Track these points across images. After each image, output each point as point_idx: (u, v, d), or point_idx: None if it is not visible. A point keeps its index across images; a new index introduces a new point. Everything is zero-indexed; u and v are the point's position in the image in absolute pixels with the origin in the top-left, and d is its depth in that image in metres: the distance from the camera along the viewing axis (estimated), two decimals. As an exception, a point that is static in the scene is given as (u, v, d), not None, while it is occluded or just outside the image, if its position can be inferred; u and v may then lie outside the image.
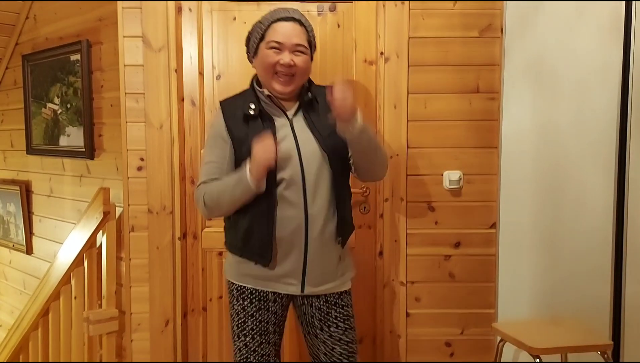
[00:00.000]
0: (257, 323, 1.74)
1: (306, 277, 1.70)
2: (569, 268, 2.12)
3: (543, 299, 2.21)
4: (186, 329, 2.42)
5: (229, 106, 1.75)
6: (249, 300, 1.75)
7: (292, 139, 1.68)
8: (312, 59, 1.75)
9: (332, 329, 1.74)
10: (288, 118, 1.71)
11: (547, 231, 2.19)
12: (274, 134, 1.65)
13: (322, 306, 1.75)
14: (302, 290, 1.71)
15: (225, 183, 1.67)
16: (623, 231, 1.96)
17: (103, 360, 2.56)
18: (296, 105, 1.73)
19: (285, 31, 1.65)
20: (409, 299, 2.34)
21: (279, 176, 1.65)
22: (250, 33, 1.74)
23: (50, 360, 2.79)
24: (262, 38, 1.68)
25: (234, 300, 1.78)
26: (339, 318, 1.75)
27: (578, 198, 2.08)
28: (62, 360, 2.72)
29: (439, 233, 2.32)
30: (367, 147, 1.69)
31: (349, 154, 1.74)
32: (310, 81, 1.78)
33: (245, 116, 1.69)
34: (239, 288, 1.76)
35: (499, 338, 2.04)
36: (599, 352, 1.87)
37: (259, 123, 1.68)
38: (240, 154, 1.68)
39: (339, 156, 1.71)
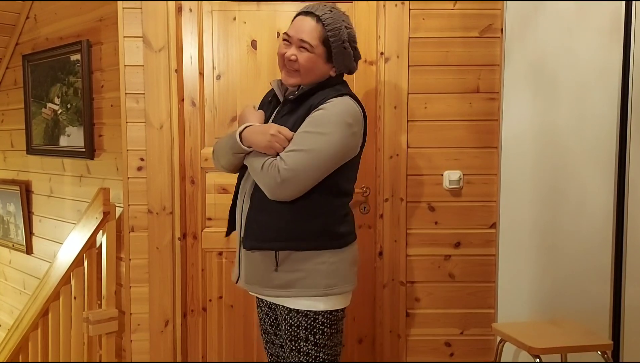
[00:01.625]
0: (260, 320, 1.77)
1: (240, 270, 1.68)
2: (568, 268, 2.12)
3: (543, 299, 2.21)
4: (186, 329, 2.42)
5: (270, 90, 1.81)
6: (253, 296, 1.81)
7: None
8: (335, 61, 1.64)
9: (283, 341, 1.67)
10: (279, 103, 1.71)
11: (547, 231, 2.19)
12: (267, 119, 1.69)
13: (277, 317, 1.71)
14: (237, 280, 1.70)
15: (225, 137, 1.70)
16: (623, 231, 1.96)
17: (102, 361, 2.56)
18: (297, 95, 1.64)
19: (297, 25, 1.62)
20: (408, 299, 2.34)
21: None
22: None
23: (49, 360, 2.78)
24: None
25: None
26: (286, 335, 1.62)
27: (578, 198, 2.08)
28: (61, 360, 2.71)
29: (439, 233, 2.33)
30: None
31: None
32: (323, 84, 1.64)
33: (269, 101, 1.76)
34: None
35: (498, 339, 2.04)
36: (599, 352, 1.87)
37: (267, 108, 1.74)
38: None
39: None
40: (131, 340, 2.38)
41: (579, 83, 2.06)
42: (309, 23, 1.60)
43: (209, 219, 2.40)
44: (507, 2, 2.23)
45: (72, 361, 2.67)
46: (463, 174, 2.30)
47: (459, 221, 2.32)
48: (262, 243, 1.59)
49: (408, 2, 2.25)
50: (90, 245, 2.58)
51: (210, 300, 2.42)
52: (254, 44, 2.34)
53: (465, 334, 2.36)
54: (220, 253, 2.40)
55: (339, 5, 2.30)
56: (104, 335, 2.51)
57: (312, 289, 1.58)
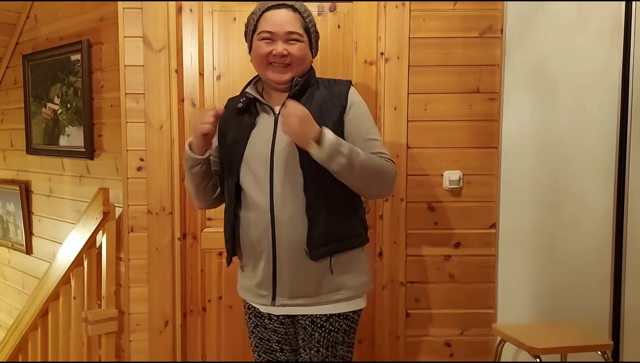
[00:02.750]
0: (259, 341, 1.65)
1: (277, 288, 1.54)
2: (568, 269, 2.12)
3: (543, 299, 2.21)
4: (185, 330, 2.42)
5: (230, 102, 1.71)
6: (248, 315, 1.68)
7: (271, 137, 1.54)
8: (314, 48, 1.63)
9: (312, 352, 1.55)
10: (274, 114, 1.58)
11: (546, 231, 2.19)
12: (250, 129, 1.57)
13: (307, 326, 1.57)
14: (273, 302, 1.55)
15: None
16: (623, 231, 1.96)
17: (102, 361, 2.56)
18: (284, 99, 1.56)
19: (276, 19, 1.53)
20: (408, 300, 2.34)
21: (247, 174, 1.55)
22: (245, 26, 1.65)
23: (49, 360, 2.78)
24: (254, 30, 1.58)
25: (244, 315, 1.72)
26: (321, 343, 1.54)
27: (578, 198, 2.09)
28: (61, 361, 2.71)
29: (438, 234, 2.33)
30: (345, 171, 1.46)
31: None
32: (310, 72, 1.63)
33: (238, 110, 1.62)
34: (244, 303, 1.70)
35: (498, 339, 2.04)
36: (598, 352, 1.87)
37: (244, 118, 1.60)
38: (223, 145, 1.64)
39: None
40: (130, 340, 2.37)
41: (579, 84, 2.06)
42: (287, 14, 1.55)
43: (209, 219, 2.39)
44: (508, 2, 2.23)
45: (71, 361, 2.66)
46: (463, 175, 2.30)
47: (459, 222, 2.32)
48: (328, 246, 1.51)
49: (408, 2, 2.25)
50: (90, 245, 2.58)
51: (209, 301, 2.42)
52: (254, 44, 2.33)
53: (465, 334, 2.36)
54: (220, 253, 2.40)
55: (339, 5, 2.31)
56: (104, 335, 2.51)
57: (362, 286, 1.59)
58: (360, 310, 1.61)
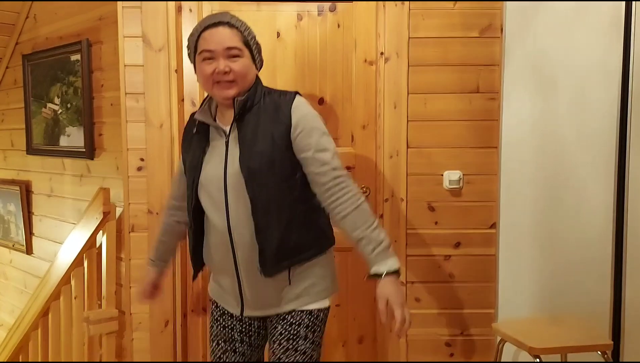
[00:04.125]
0: (222, 329, 1.69)
1: (244, 303, 1.61)
2: (569, 268, 2.12)
3: (543, 299, 2.21)
4: (186, 329, 2.42)
5: (190, 120, 1.69)
6: (215, 304, 1.72)
7: (222, 159, 1.55)
8: (257, 60, 1.60)
9: (275, 345, 1.60)
10: (225, 135, 1.57)
11: (547, 231, 2.19)
12: (204, 153, 1.58)
13: (272, 319, 1.63)
14: (242, 313, 1.63)
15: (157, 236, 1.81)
16: (623, 231, 1.96)
17: (103, 360, 2.56)
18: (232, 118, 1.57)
19: (215, 38, 1.52)
20: (409, 299, 2.34)
21: (206, 198, 1.56)
22: (187, 47, 1.64)
23: (50, 360, 2.79)
24: (195, 50, 1.57)
25: (209, 307, 1.78)
26: (282, 335, 1.58)
27: (578, 197, 2.08)
28: (62, 360, 2.72)
29: (439, 233, 2.32)
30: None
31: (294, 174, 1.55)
32: (254, 87, 1.58)
33: (192, 134, 1.63)
34: (209, 294, 1.77)
35: (499, 338, 2.04)
36: (599, 352, 1.87)
37: (199, 140, 1.61)
38: (185, 168, 1.65)
39: (262, 175, 1.50)
40: (131, 340, 2.38)
41: (578, 82, 2.06)
42: (224, 31, 1.54)
43: (209, 219, 2.39)
44: (507, 1, 2.22)
45: (72, 361, 2.67)
46: (463, 174, 2.30)
47: (459, 221, 2.32)
48: (280, 264, 1.53)
49: (408, 1, 2.24)
50: (91, 244, 2.58)
51: (210, 300, 2.42)
52: (253, 43, 2.33)
53: (465, 334, 2.36)
54: (220, 253, 2.40)
55: (339, 4, 2.31)
56: (104, 335, 2.52)
57: (322, 291, 1.62)
58: (326, 309, 1.63)
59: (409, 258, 2.32)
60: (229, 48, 1.52)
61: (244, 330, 1.68)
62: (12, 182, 3.46)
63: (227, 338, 1.69)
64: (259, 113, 1.55)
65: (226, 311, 1.69)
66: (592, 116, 2.02)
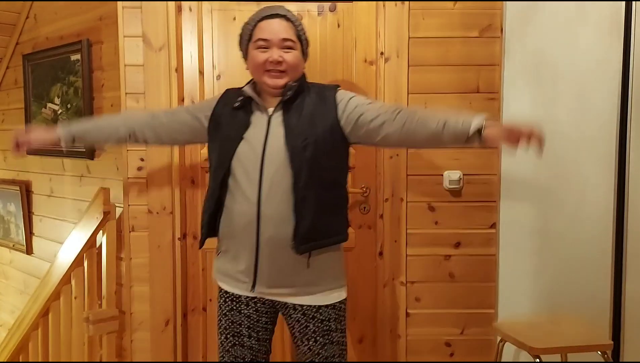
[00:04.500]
0: (230, 324, 1.74)
1: (257, 277, 1.65)
2: (569, 268, 2.12)
3: (543, 299, 2.21)
4: (186, 329, 2.42)
5: (228, 94, 1.79)
6: (223, 299, 1.76)
7: (263, 136, 1.64)
8: (305, 54, 1.73)
9: (310, 342, 1.69)
10: (268, 115, 1.68)
11: (547, 231, 2.19)
12: (245, 129, 1.67)
13: (300, 319, 1.70)
14: (253, 289, 1.67)
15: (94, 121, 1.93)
16: (623, 230, 1.96)
17: (103, 360, 2.56)
18: (278, 102, 1.69)
19: (271, 28, 1.64)
20: (409, 299, 2.34)
21: (239, 168, 1.63)
22: (240, 35, 1.74)
23: (50, 360, 2.78)
24: (250, 38, 1.68)
25: (218, 298, 1.80)
26: (317, 332, 1.68)
27: (578, 197, 2.08)
28: (62, 360, 2.72)
29: (439, 233, 2.32)
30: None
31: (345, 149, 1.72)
32: (302, 79, 1.72)
33: (234, 107, 1.72)
34: (219, 288, 1.79)
35: (499, 338, 2.04)
36: (599, 352, 1.87)
37: (239, 115, 1.70)
38: (214, 137, 1.74)
39: (309, 158, 1.59)
40: (132, 340, 2.38)
41: (578, 82, 2.06)
42: (281, 23, 1.65)
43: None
44: (507, 1, 2.22)
45: (72, 361, 2.67)
46: (463, 174, 2.30)
47: (459, 221, 2.32)
48: (310, 242, 1.62)
49: (408, 1, 2.24)
50: (91, 244, 2.58)
51: (210, 300, 2.42)
52: (254, 43, 2.33)
53: (465, 334, 2.36)
54: (221, 253, 2.40)
55: (339, 4, 2.31)
56: (105, 335, 2.51)
57: (340, 279, 1.74)
58: (345, 299, 1.75)
59: (409, 258, 2.32)
60: (284, 39, 1.64)
61: (251, 325, 1.72)
62: (12, 182, 3.46)
63: (235, 333, 1.73)
64: (304, 99, 1.67)
65: (234, 307, 1.72)
66: (592, 115, 2.02)
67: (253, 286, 1.67)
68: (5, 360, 2.92)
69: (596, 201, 2.02)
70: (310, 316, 1.68)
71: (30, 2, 3.18)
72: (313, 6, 2.30)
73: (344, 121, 1.66)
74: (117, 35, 2.32)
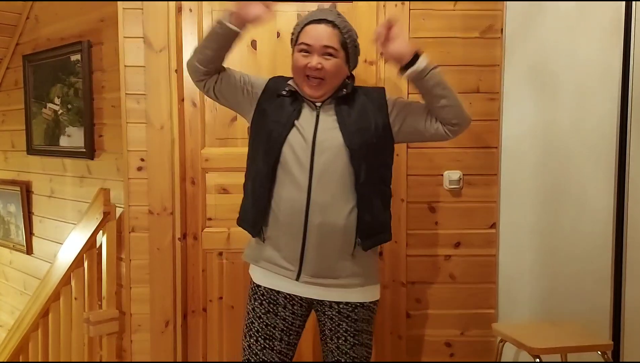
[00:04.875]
0: (264, 327, 1.72)
1: (303, 265, 1.65)
2: (569, 268, 2.12)
3: (543, 299, 2.21)
4: (186, 330, 2.42)
5: (274, 80, 1.78)
6: (259, 301, 1.73)
7: (313, 125, 1.66)
8: (350, 61, 1.71)
9: (340, 341, 1.70)
10: (316, 107, 1.69)
11: (547, 231, 2.19)
12: (296, 117, 1.67)
13: (334, 316, 1.70)
14: (298, 277, 1.67)
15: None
16: (623, 231, 1.96)
17: (103, 361, 2.56)
18: (328, 97, 1.70)
19: (314, 34, 1.64)
20: (409, 300, 2.34)
21: (290, 156, 1.64)
22: (291, 34, 1.75)
23: (50, 361, 2.78)
24: (296, 41, 1.69)
25: (249, 299, 1.78)
26: (348, 332, 1.69)
27: (578, 198, 2.08)
28: (62, 361, 2.71)
29: (439, 234, 2.33)
30: (440, 78, 1.63)
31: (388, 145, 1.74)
32: (350, 81, 1.74)
33: (280, 95, 1.72)
34: (254, 288, 1.76)
35: (499, 339, 2.04)
36: (599, 352, 1.87)
37: (287, 103, 1.70)
38: (260, 121, 1.72)
39: (365, 152, 1.64)
40: (131, 341, 2.38)
41: (579, 83, 2.06)
42: (326, 29, 1.64)
43: (210, 219, 2.40)
44: (508, 2, 2.23)
45: (72, 361, 2.67)
46: (463, 175, 2.30)
47: (459, 222, 2.32)
48: (375, 238, 1.70)
49: (408, 2, 2.25)
50: (91, 245, 2.58)
51: (210, 301, 2.42)
52: (254, 44, 2.34)
53: (465, 334, 2.36)
54: (221, 254, 2.40)
55: (339, 5, 2.31)
56: (105, 336, 2.51)
57: (377, 275, 1.78)
58: (378, 300, 1.77)
59: (409, 258, 2.32)
60: (326, 46, 1.63)
61: (285, 328, 1.72)
62: (13, 182, 3.47)
63: (268, 336, 1.72)
64: (354, 97, 1.70)
65: (271, 310, 1.72)
66: (592, 116, 2.02)
67: (298, 275, 1.67)
68: (5, 361, 2.92)
69: (596, 199, 2.02)
70: (345, 315, 1.69)
71: (31, 3, 3.18)
72: (313, 6, 2.29)
73: (392, 118, 1.70)
74: (118, 37, 2.32)
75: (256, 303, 1.74)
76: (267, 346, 1.72)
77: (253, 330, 1.73)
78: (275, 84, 1.76)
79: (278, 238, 1.68)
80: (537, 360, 1.81)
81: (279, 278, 1.70)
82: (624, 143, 1.94)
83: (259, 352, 1.72)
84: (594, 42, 2.01)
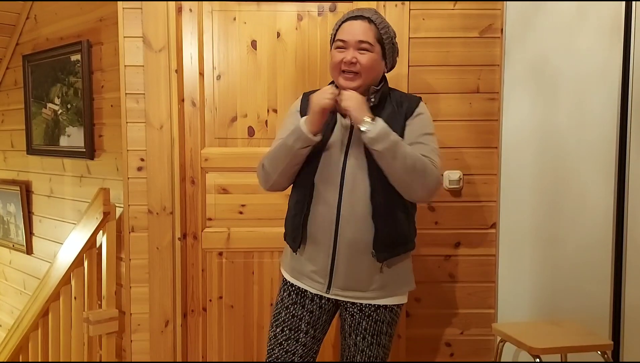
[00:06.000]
0: (290, 317, 1.74)
1: (333, 279, 1.68)
2: (569, 268, 2.12)
3: (543, 299, 2.21)
4: (186, 330, 2.42)
5: (306, 98, 1.76)
6: (287, 292, 1.76)
7: (346, 139, 1.67)
8: (387, 58, 1.70)
9: (358, 339, 1.72)
10: (350, 120, 1.67)
11: (547, 231, 2.19)
12: (331, 130, 1.67)
13: (355, 314, 1.72)
14: (328, 290, 1.69)
15: (283, 138, 1.66)
16: (623, 231, 1.96)
17: (103, 361, 2.56)
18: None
19: (350, 29, 1.64)
20: (409, 299, 2.33)
21: (320, 169, 1.65)
22: (331, 34, 1.75)
23: (50, 361, 2.78)
24: (333, 39, 1.70)
25: (279, 291, 1.80)
26: (367, 331, 1.71)
27: (578, 198, 2.08)
28: (62, 361, 2.72)
29: (439, 234, 2.33)
30: (389, 155, 1.55)
31: None
32: (384, 84, 1.72)
33: None
34: (285, 281, 1.79)
35: (498, 339, 2.04)
36: (599, 352, 1.87)
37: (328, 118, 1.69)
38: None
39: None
40: (131, 340, 2.38)
41: (579, 83, 2.06)
42: (361, 25, 1.65)
43: (209, 219, 2.40)
44: (507, 2, 2.23)
45: (72, 361, 2.67)
46: (463, 174, 2.30)
47: (459, 221, 2.32)
48: (392, 250, 1.66)
49: (408, 2, 2.25)
50: (91, 245, 2.58)
51: (210, 300, 2.42)
52: (254, 44, 2.34)
53: (465, 334, 2.36)
54: (221, 254, 2.40)
55: (339, 5, 2.31)
56: (104, 335, 2.51)
57: (405, 286, 1.76)
58: (403, 304, 1.78)
59: (409, 259, 2.32)
60: (361, 41, 1.63)
61: (311, 321, 1.74)
62: (12, 182, 3.47)
63: (293, 327, 1.74)
64: (384, 106, 1.69)
65: (299, 302, 1.74)
66: (592, 116, 2.02)
67: (329, 287, 1.69)
68: (4, 360, 2.92)
69: (596, 199, 2.02)
70: (367, 314, 1.70)
71: (31, 2, 3.18)
72: (313, 6, 2.30)
73: (405, 128, 1.68)
74: (117, 36, 2.32)
75: (285, 294, 1.77)
76: (292, 337, 1.74)
77: (280, 320, 1.76)
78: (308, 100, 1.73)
79: (309, 252, 1.71)
80: (537, 359, 1.81)
81: (312, 286, 1.73)
82: (624, 142, 1.94)
83: (283, 342, 1.74)
84: (593, 41, 2.01)
